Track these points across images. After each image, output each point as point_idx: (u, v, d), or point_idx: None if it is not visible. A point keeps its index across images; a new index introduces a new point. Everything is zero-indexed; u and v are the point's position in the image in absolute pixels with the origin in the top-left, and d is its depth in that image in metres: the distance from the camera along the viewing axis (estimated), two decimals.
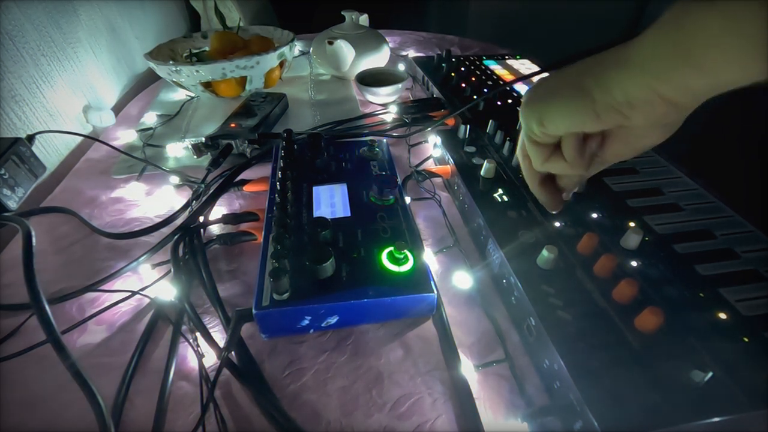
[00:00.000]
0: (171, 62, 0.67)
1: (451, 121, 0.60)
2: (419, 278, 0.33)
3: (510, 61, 0.77)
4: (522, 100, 0.27)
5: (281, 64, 0.73)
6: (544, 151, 0.28)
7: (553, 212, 0.33)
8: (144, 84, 0.85)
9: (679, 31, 0.19)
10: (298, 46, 0.92)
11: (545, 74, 0.29)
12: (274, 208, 0.38)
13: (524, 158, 0.30)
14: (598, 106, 0.23)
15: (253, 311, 0.30)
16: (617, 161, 0.27)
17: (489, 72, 0.72)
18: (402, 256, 0.34)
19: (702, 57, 0.19)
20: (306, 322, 0.32)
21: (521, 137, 0.30)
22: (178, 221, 0.45)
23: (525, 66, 0.75)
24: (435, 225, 0.45)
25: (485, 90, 0.64)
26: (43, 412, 0.29)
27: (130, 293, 0.37)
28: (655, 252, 0.34)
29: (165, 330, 0.35)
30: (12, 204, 0.45)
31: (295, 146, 0.48)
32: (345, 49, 0.72)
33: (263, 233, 0.37)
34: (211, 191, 0.46)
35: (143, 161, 0.55)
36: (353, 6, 0.78)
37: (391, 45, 0.85)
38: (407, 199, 0.43)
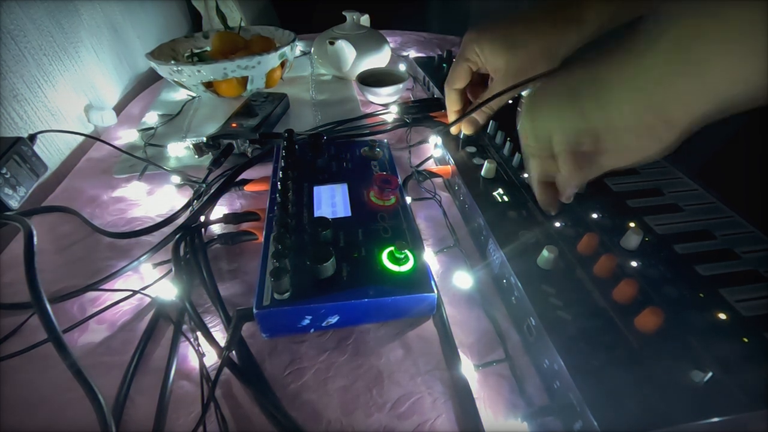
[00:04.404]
0: (172, 62, 0.67)
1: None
2: (420, 278, 0.33)
3: None
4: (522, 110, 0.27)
5: (282, 64, 0.73)
6: (542, 163, 0.28)
7: (550, 213, 0.34)
8: (145, 84, 0.85)
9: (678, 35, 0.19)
10: (299, 46, 0.92)
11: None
12: (275, 207, 0.39)
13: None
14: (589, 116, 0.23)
15: (254, 311, 0.30)
16: (614, 168, 0.27)
17: None
18: (402, 256, 0.34)
19: (697, 58, 0.19)
20: (307, 321, 0.32)
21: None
22: (179, 221, 0.45)
23: None
24: (435, 225, 0.45)
25: None
26: (44, 411, 0.30)
27: (131, 292, 0.37)
28: (655, 252, 0.34)
29: (166, 329, 0.35)
30: (13, 203, 0.45)
31: (296, 146, 0.48)
32: (346, 50, 0.72)
33: (264, 233, 0.37)
34: (212, 191, 0.46)
35: (144, 161, 0.55)
36: (354, 6, 0.78)
37: (392, 45, 0.85)
38: (408, 199, 0.43)
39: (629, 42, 0.21)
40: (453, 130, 0.49)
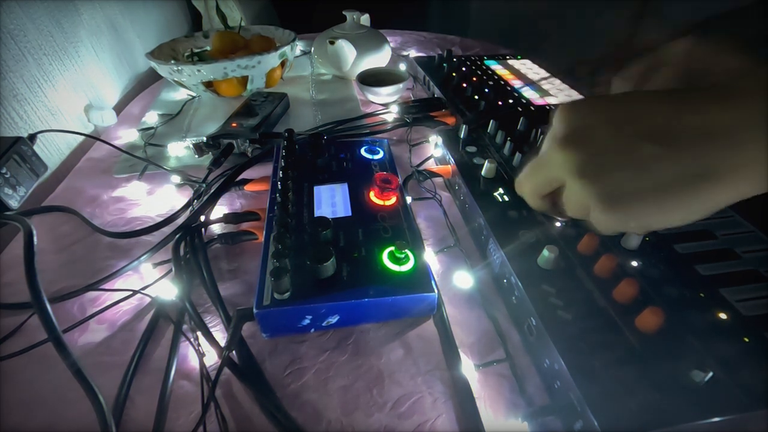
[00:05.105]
0: (173, 61, 0.67)
1: (451, 121, 0.60)
2: (420, 278, 0.33)
3: (511, 62, 0.77)
4: (600, 198, 0.22)
5: (282, 64, 0.73)
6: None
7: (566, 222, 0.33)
8: (145, 83, 0.85)
9: None
10: (299, 46, 0.92)
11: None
12: (275, 207, 0.39)
13: (533, 197, 0.28)
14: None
15: (254, 310, 0.30)
16: None
17: (490, 72, 0.72)
18: (403, 256, 0.34)
19: None
20: (307, 321, 0.32)
21: (527, 170, 0.27)
22: (180, 220, 0.45)
23: (526, 66, 0.75)
24: (436, 225, 0.45)
25: (486, 90, 0.64)
26: (44, 411, 0.30)
27: (131, 292, 0.37)
28: (656, 252, 0.34)
29: (166, 329, 0.35)
30: (13, 203, 0.45)
31: (296, 146, 0.48)
32: (346, 49, 0.72)
33: (264, 233, 0.37)
34: (212, 191, 0.46)
35: (144, 160, 0.55)
36: (354, 6, 0.78)
37: (392, 45, 0.85)
38: (408, 199, 0.43)
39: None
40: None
